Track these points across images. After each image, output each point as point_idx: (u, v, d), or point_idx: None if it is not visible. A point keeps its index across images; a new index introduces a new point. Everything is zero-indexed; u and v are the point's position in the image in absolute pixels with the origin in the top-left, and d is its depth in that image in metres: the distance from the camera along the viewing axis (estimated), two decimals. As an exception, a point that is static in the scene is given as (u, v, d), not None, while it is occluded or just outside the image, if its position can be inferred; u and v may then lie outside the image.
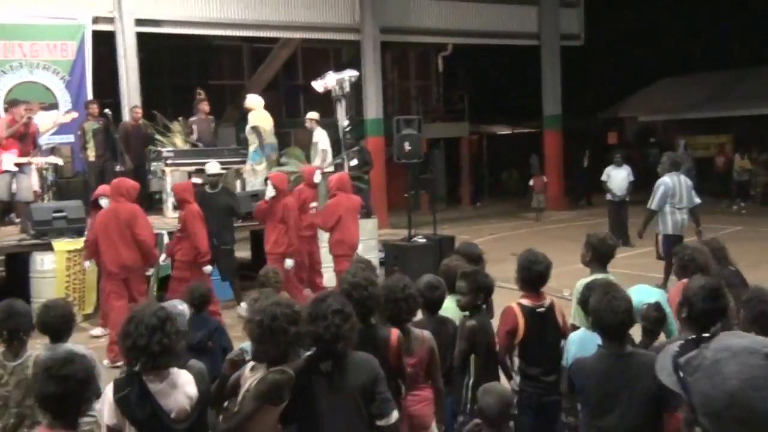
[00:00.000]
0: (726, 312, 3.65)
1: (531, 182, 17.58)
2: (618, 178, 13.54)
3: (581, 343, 4.09)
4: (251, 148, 11.35)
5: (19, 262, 9.32)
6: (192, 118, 12.40)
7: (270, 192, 8.83)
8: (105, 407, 3.15)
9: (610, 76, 25.40)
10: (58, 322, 4.17)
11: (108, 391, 3.15)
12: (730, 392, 1.42)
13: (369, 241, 11.76)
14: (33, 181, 10.54)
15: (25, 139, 10.38)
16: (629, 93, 25.30)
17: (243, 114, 12.49)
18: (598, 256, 4.90)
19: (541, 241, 12.42)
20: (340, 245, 8.88)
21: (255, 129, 11.19)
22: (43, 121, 11.94)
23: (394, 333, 3.87)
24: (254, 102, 11.54)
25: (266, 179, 9.13)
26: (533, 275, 4.40)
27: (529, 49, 19.90)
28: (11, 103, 11.05)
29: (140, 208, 8.06)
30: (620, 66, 25.27)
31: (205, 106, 12.30)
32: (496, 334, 4.50)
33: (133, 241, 7.72)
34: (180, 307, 4.18)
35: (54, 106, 12.90)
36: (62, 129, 12.50)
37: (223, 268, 9.22)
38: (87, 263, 8.54)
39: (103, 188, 8.57)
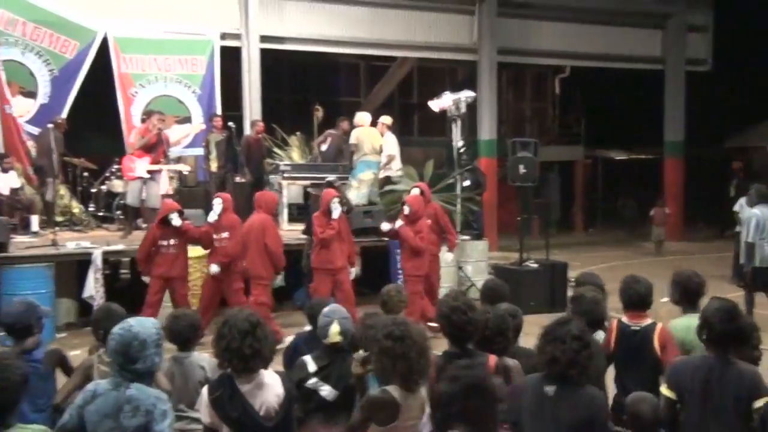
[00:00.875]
0: (743, 333, 3.77)
1: (651, 212, 16.89)
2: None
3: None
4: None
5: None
6: (330, 130, 12.69)
7: (337, 210, 8.84)
8: (202, 408, 3.41)
9: (739, 102, 24.24)
10: (187, 331, 4.31)
11: (204, 392, 3.42)
12: None
13: (479, 263, 11.68)
14: (162, 189, 11.02)
15: (156, 148, 10.88)
16: (759, 121, 24.09)
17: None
18: (687, 295, 4.78)
19: (655, 272, 11.93)
20: (422, 266, 8.98)
21: (350, 145, 11.38)
22: (177, 134, 12.50)
23: (492, 359, 3.90)
24: (361, 119, 11.68)
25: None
26: (631, 295, 4.56)
27: (651, 73, 19.32)
28: (147, 114, 11.63)
29: (271, 219, 8.60)
30: (750, 92, 24.10)
31: (346, 125, 12.57)
32: None
33: (264, 250, 8.38)
34: (345, 311, 4.30)
35: (187, 119, 13.47)
36: (192, 141, 13.04)
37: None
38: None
39: (170, 205, 8.70)
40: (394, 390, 3.37)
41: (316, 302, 5.35)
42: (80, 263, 9.43)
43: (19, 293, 8.37)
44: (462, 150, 11.75)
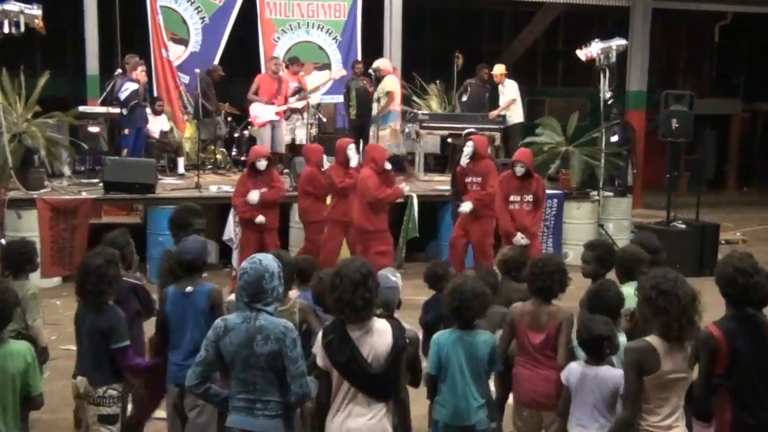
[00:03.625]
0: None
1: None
2: None
3: None
4: (381, 113, 10.98)
5: (280, 211, 9.81)
6: (470, 80, 12.51)
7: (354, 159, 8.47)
8: (317, 351, 3.58)
9: None
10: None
11: (319, 336, 3.62)
12: None
13: (621, 221, 11.18)
14: (285, 133, 11.31)
15: (279, 93, 11.08)
16: None
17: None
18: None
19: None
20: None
21: (389, 94, 10.83)
22: (316, 80, 12.56)
23: None
24: (388, 66, 11.19)
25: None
26: None
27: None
28: (291, 61, 11.75)
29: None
30: None
31: (484, 74, 12.33)
32: None
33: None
34: (393, 278, 4.09)
35: (327, 66, 13.46)
36: (332, 88, 13.05)
37: None
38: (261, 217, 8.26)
39: (258, 151, 8.58)
40: (653, 339, 3.47)
41: (437, 264, 5.19)
42: (221, 206, 9.70)
43: (164, 233, 8.72)
44: (610, 102, 11.16)
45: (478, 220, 8.30)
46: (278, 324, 3.51)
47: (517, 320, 4.31)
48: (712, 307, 3.89)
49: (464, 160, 8.38)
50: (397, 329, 3.59)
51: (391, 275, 4.10)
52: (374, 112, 11.02)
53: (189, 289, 4.44)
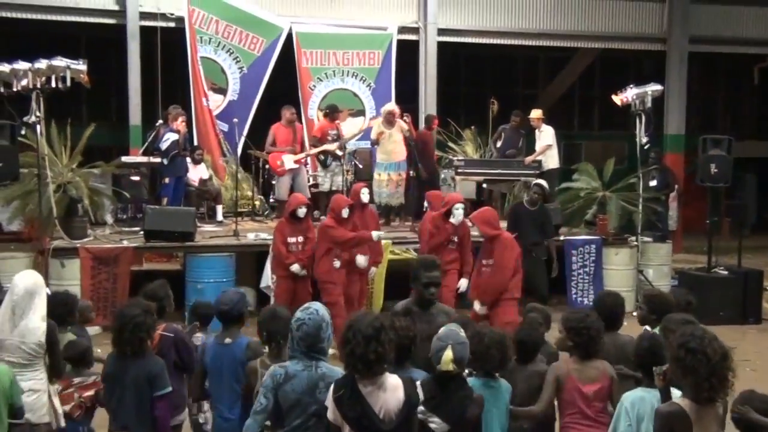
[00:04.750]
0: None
1: None
2: None
3: None
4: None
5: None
6: (504, 125, 12.59)
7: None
8: (329, 404, 3.49)
9: None
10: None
11: (330, 390, 3.51)
12: None
13: (661, 267, 11.03)
14: (306, 179, 11.42)
15: (294, 140, 11.26)
16: None
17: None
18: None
19: None
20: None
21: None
22: (352, 127, 12.72)
23: None
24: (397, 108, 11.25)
25: None
26: None
27: None
28: (330, 108, 11.86)
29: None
30: None
31: (518, 120, 12.42)
32: None
33: None
34: (462, 333, 3.85)
35: (361, 112, 13.70)
36: (367, 134, 13.18)
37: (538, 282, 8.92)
38: (297, 266, 8.16)
39: (300, 199, 8.59)
40: (683, 402, 3.32)
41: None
42: (259, 254, 9.78)
43: (203, 281, 8.87)
44: (646, 147, 11.10)
45: (443, 275, 8.28)
46: (338, 372, 3.57)
47: (564, 375, 4.16)
48: (756, 356, 3.81)
49: (457, 220, 8.16)
50: (409, 385, 3.47)
51: (459, 330, 3.84)
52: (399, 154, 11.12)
53: (228, 340, 4.51)
